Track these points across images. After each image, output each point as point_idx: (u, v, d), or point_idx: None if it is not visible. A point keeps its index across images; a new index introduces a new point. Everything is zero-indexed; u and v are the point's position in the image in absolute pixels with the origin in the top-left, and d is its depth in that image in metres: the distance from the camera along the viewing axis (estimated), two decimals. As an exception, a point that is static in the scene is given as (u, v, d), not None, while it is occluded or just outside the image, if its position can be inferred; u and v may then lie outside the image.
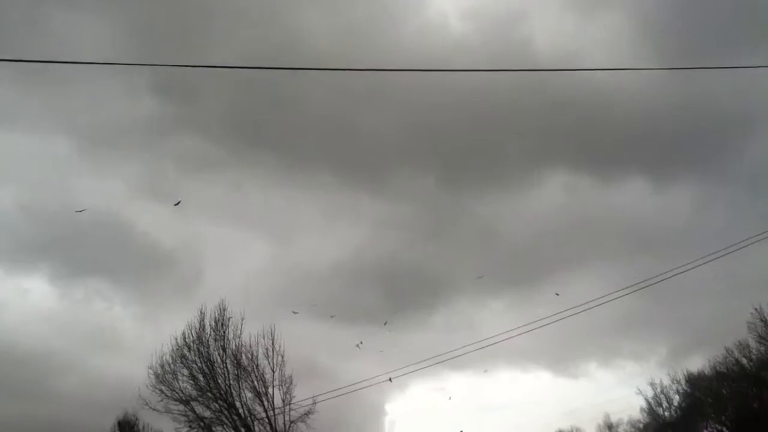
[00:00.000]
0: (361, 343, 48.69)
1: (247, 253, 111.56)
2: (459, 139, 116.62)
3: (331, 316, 52.02)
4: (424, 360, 36.11)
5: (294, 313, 50.28)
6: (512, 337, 32.08)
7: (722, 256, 25.05)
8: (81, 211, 74.04)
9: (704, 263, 25.57)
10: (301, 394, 38.89)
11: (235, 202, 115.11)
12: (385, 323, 51.20)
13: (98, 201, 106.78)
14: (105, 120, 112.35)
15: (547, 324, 30.13)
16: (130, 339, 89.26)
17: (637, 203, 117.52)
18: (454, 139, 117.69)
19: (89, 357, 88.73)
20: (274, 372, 39.15)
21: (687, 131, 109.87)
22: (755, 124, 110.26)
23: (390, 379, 38.67)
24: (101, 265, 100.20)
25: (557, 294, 58.48)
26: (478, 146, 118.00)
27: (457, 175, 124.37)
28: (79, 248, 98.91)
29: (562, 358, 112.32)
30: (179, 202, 58.64)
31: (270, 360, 39.39)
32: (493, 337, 33.70)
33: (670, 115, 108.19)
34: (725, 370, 65.90)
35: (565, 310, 29.44)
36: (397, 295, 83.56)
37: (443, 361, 35.20)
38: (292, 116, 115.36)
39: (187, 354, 39.31)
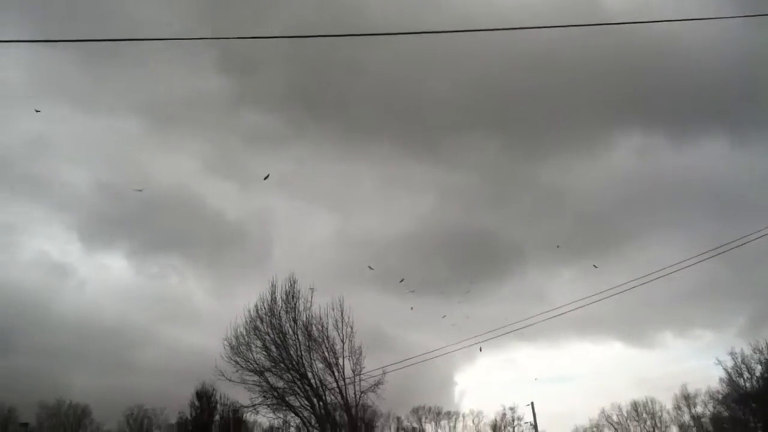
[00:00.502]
0: (412, 309, 48.66)
1: (313, 225, 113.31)
2: (526, 102, 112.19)
3: (411, 291, 51.82)
4: (494, 330, 35.67)
5: (370, 268, 50.84)
6: (582, 306, 31.21)
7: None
8: (140, 191, 76.59)
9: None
10: (370, 365, 39.23)
11: (299, 175, 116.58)
12: (468, 291, 51.11)
13: (169, 178, 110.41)
14: (174, 99, 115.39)
15: (617, 293, 29.00)
16: (204, 312, 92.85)
17: (714, 163, 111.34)
18: (521, 103, 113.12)
19: (166, 330, 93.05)
20: (343, 343, 39.54)
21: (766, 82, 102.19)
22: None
23: (480, 349, 38.43)
24: (174, 240, 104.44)
25: (595, 266, 56.90)
26: (545, 109, 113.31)
27: (523, 139, 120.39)
28: (152, 224, 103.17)
29: (634, 328, 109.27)
30: (268, 176, 59.33)
31: (339, 331, 39.75)
32: (561, 306, 32.95)
33: (747, 66, 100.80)
34: (813, 339, 62.83)
35: (639, 278, 28.24)
36: (463, 266, 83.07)
37: (513, 331, 34.65)
38: (354, 86, 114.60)
39: (260, 326, 40.01)
